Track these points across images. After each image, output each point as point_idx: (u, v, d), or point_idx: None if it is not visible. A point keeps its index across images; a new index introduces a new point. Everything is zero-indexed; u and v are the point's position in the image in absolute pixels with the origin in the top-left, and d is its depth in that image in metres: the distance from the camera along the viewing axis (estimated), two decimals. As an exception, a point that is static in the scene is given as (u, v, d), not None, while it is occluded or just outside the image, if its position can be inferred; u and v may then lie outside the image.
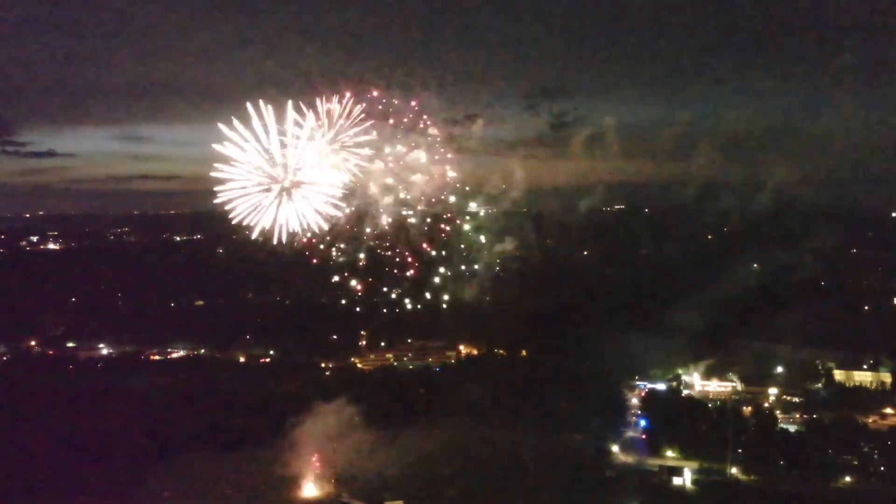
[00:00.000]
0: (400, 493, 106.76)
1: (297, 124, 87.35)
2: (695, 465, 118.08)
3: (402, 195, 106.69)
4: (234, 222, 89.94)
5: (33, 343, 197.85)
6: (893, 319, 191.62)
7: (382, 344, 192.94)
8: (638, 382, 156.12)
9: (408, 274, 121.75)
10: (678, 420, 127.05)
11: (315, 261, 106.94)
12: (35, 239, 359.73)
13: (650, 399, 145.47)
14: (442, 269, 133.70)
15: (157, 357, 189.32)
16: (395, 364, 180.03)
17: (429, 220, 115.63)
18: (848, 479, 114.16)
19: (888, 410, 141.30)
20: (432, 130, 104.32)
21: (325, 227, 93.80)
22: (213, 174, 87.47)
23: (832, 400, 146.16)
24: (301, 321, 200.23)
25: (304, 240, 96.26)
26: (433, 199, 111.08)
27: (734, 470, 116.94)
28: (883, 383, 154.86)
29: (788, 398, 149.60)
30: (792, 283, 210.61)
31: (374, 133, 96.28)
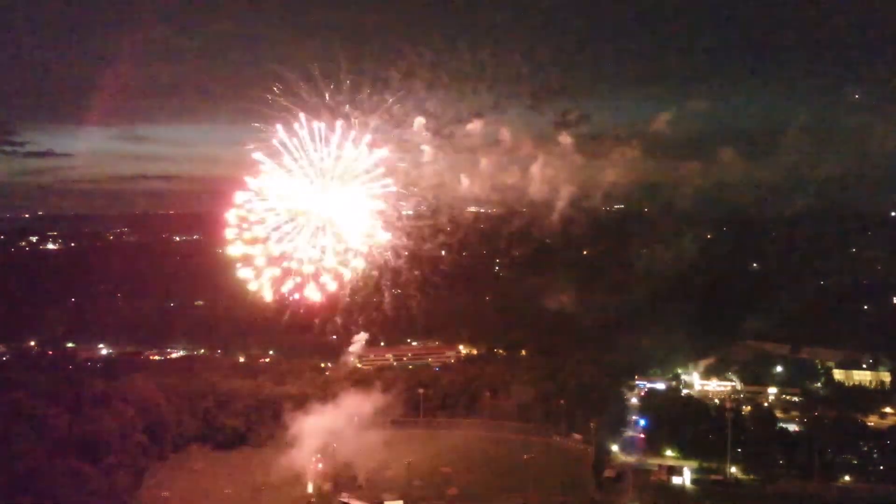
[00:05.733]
0: (400, 493, 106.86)
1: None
2: (694, 464, 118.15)
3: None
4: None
5: (33, 343, 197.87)
6: (893, 319, 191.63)
7: (382, 344, 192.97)
8: (638, 382, 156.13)
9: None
10: (678, 419, 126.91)
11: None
12: (35, 239, 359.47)
13: (650, 398, 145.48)
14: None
15: (157, 357, 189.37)
16: (395, 364, 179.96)
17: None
18: (847, 478, 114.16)
19: (888, 410, 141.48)
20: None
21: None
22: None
23: (832, 399, 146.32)
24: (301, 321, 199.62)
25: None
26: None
27: (734, 469, 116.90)
28: (882, 383, 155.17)
29: (788, 397, 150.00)
30: (792, 283, 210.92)
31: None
